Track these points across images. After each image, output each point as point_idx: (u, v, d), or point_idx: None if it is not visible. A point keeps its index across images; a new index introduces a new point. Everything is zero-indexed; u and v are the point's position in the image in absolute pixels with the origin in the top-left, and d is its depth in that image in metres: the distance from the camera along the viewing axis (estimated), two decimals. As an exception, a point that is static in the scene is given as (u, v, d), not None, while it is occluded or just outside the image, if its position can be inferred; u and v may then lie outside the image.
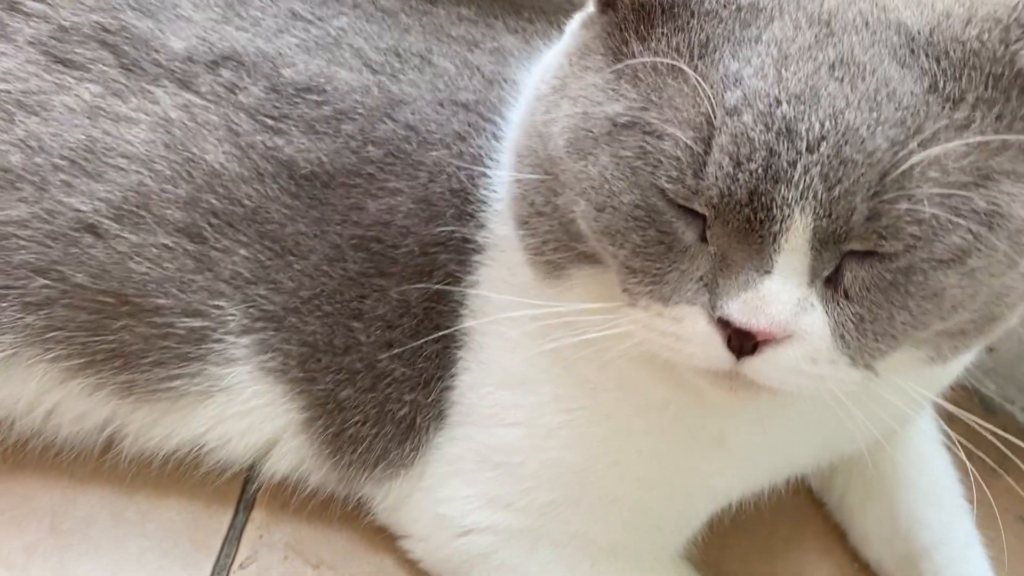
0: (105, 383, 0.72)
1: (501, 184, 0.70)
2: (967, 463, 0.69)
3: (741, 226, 0.52)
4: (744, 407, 0.66)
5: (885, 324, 0.54)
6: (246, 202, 0.71)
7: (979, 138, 0.51)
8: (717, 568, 0.82)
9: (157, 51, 0.73)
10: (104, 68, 0.72)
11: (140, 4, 0.74)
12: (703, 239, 0.55)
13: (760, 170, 0.50)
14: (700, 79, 0.52)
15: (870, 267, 0.53)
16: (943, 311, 0.55)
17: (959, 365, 0.75)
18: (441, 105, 0.74)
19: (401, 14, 0.81)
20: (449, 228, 0.71)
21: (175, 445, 0.77)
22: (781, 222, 0.51)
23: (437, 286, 0.72)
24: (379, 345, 0.73)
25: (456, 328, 0.73)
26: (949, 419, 0.84)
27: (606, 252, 0.58)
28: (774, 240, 0.52)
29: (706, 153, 0.52)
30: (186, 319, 0.71)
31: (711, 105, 0.51)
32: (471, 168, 0.72)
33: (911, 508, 0.87)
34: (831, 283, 0.54)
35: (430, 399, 0.74)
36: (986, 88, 0.52)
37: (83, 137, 0.70)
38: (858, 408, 0.62)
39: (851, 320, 0.54)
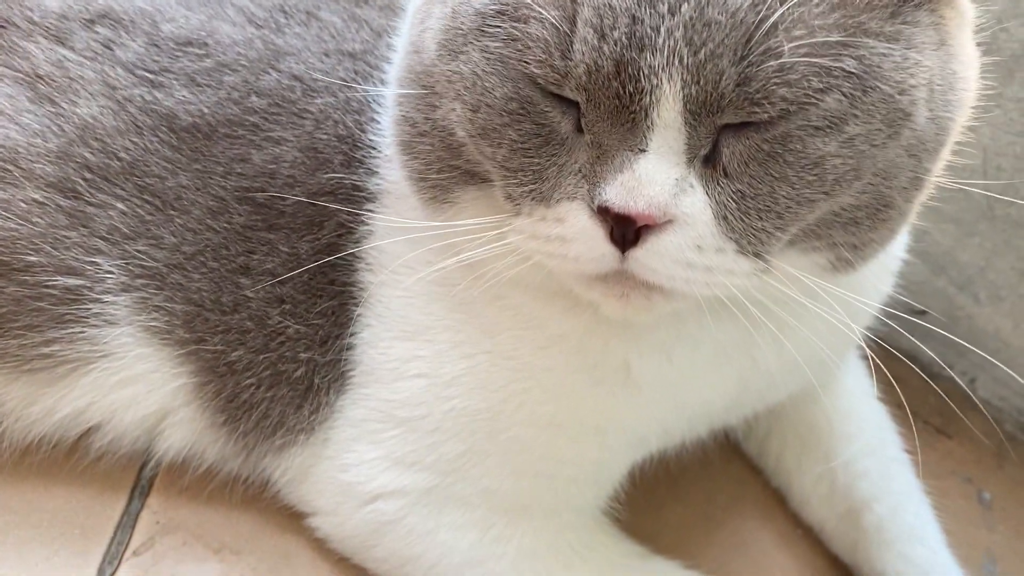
0: None
1: (389, 126, 0.68)
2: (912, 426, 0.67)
3: (612, 104, 0.51)
4: (645, 331, 0.64)
5: (767, 199, 0.53)
6: (123, 155, 0.69)
7: None
8: (654, 539, 0.78)
9: (31, 8, 0.72)
10: None
11: (15, -32, 0.73)
12: (579, 129, 0.53)
13: (624, 38, 0.50)
14: None
15: (746, 139, 0.52)
16: (826, 184, 0.53)
17: (874, 290, 0.73)
18: (327, 55, 0.73)
19: (290, -24, 0.80)
20: (337, 175, 0.68)
21: (58, 423, 0.72)
22: (650, 93, 0.50)
23: (328, 236, 0.69)
24: (270, 301, 0.70)
25: (351, 281, 0.70)
26: (891, 384, 0.82)
27: (484, 156, 0.57)
28: (646, 115, 0.50)
29: (572, 32, 0.51)
30: (60, 277, 0.67)
31: None
32: (359, 115, 0.70)
33: (848, 462, 0.84)
34: (710, 162, 0.52)
35: (328, 358, 0.71)
36: None
37: None
38: (776, 329, 0.61)
39: (732, 198, 0.52)
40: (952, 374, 1.02)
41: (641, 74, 0.50)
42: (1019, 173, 0.92)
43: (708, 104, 0.50)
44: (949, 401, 1.04)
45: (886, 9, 0.52)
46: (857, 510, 0.81)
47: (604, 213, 0.52)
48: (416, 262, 0.67)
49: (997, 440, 1.02)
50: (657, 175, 0.51)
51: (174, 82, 0.71)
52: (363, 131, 0.70)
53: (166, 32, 0.72)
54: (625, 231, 0.52)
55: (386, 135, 0.69)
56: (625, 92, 0.50)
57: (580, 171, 0.53)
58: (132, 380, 0.71)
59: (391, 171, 0.69)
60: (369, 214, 0.69)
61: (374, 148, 0.70)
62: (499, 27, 0.53)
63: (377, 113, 0.70)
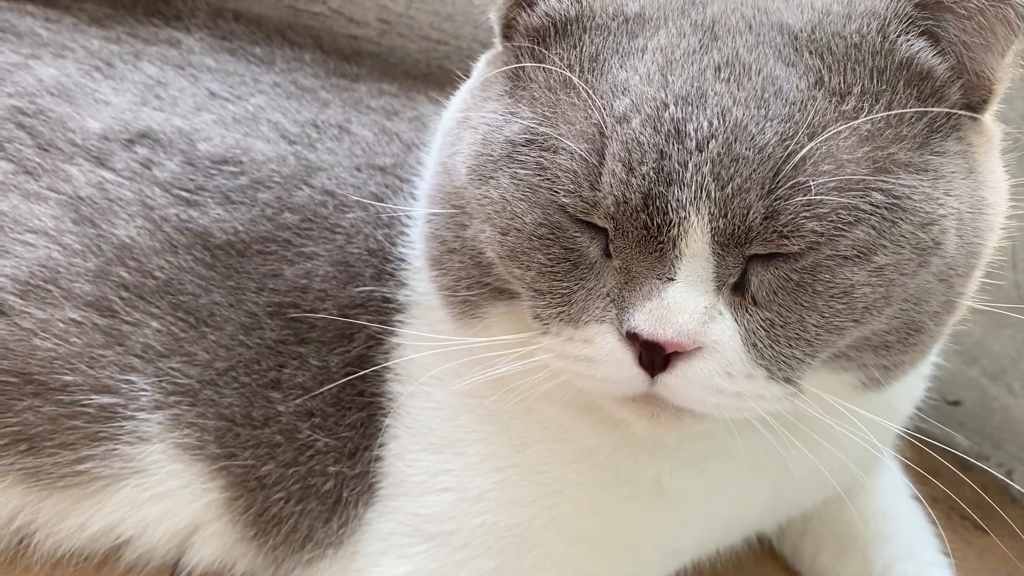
0: (9, 470, 0.68)
1: (419, 241, 0.69)
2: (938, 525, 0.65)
3: (640, 234, 0.51)
4: (676, 446, 0.63)
5: (797, 327, 0.53)
6: (158, 274, 0.70)
7: (864, 119, 0.51)
8: (687, 647, 0.76)
9: (73, 131, 0.74)
10: (19, 147, 0.72)
11: (59, 90, 0.76)
12: (607, 254, 0.54)
13: (652, 172, 0.50)
14: (589, 90, 0.52)
15: (775, 269, 0.52)
16: (855, 312, 0.53)
17: (906, 398, 0.72)
18: (358, 169, 0.74)
19: (321, 91, 0.82)
20: (368, 288, 0.69)
21: (90, 538, 0.72)
22: (678, 225, 0.50)
23: (358, 349, 0.70)
24: (300, 415, 0.70)
25: (380, 392, 0.70)
26: (925, 479, 0.81)
27: (514, 277, 0.57)
28: (673, 245, 0.51)
29: (600, 164, 0.52)
30: (95, 396, 0.68)
31: (601, 115, 0.52)
32: (389, 229, 0.71)
33: (886, 565, 0.82)
34: (739, 290, 0.53)
35: (356, 471, 0.71)
36: (871, 80, 0.52)
37: None
38: (806, 446, 0.60)
39: (761, 326, 0.52)
40: (988, 467, 1.00)
41: (669, 207, 0.50)
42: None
43: (736, 236, 0.51)
44: (985, 495, 1.02)
45: (915, 140, 0.53)
46: (896, 616, 0.79)
47: (633, 339, 0.52)
48: (445, 374, 0.67)
49: (1038, 535, 0.99)
50: (686, 303, 0.51)
51: (209, 200, 0.72)
52: (393, 244, 0.71)
53: (202, 151, 0.74)
54: (654, 357, 0.52)
55: (416, 248, 0.70)
56: (653, 224, 0.51)
57: (608, 295, 0.54)
58: (164, 496, 0.71)
59: (420, 283, 0.70)
60: (399, 326, 0.70)
61: (404, 260, 0.71)
62: (528, 156, 0.55)
63: (407, 227, 0.71)
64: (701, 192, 0.50)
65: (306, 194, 0.73)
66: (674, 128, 0.50)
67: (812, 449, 0.63)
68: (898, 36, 0.53)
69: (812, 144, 0.50)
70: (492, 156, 0.56)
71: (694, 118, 0.50)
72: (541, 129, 0.54)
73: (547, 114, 0.55)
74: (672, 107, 0.51)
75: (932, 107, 0.54)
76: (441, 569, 0.68)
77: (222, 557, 0.73)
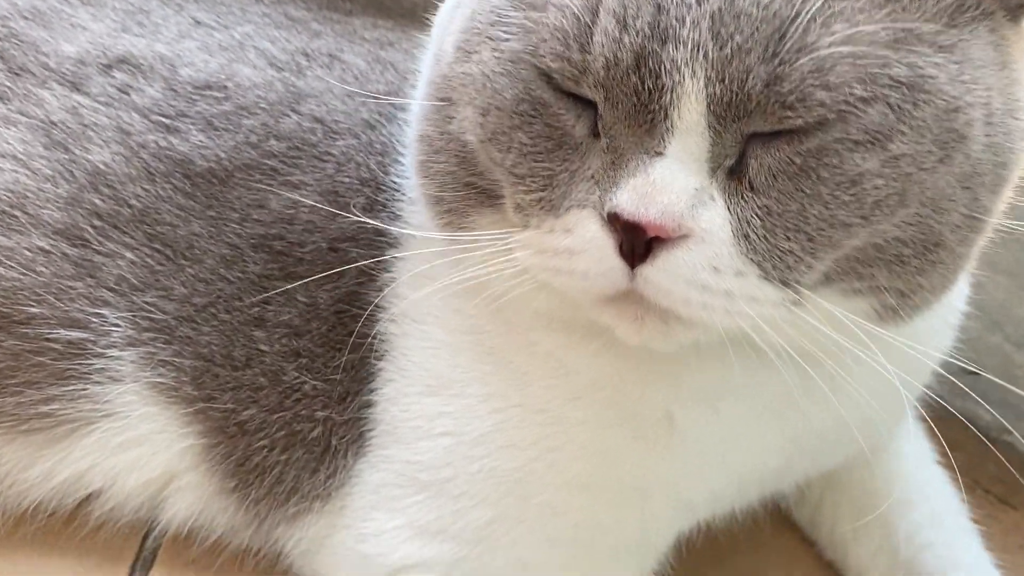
0: None
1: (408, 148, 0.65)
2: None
3: (630, 102, 0.47)
4: (687, 377, 0.59)
5: (796, 218, 0.47)
6: (134, 202, 0.66)
7: None
8: (698, 617, 0.71)
9: (47, 55, 0.70)
10: None
11: (33, 14, 0.72)
12: (594, 134, 0.49)
13: (646, 28, 0.46)
14: None
15: (776, 151, 0.47)
16: (864, 206, 0.48)
17: (932, 341, 0.67)
18: (349, 97, 0.70)
19: (312, 22, 0.79)
20: (359, 219, 0.65)
21: (57, 488, 0.67)
22: (671, 90, 0.46)
23: (348, 285, 0.65)
24: (285, 355, 0.65)
25: (372, 333, 0.65)
26: (948, 450, 0.76)
27: (494, 163, 0.53)
28: (665, 115, 0.46)
29: (593, 22, 0.47)
30: (63, 330, 0.63)
31: None
32: (382, 157, 0.67)
33: (911, 532, 0.77)
34: (735, 175, 0.48)
35: (346, 417, 0.66)
36: None
37: None
38: (825, 385, 0.55)
39: (756, 214, 0.47)
40: (1011, 439, 0.95)
41: (662, 69, 0.46)
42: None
43: (734, 105, 0.46)
44: (1011, 467, 0.97)
45: (941, 15, 0.48)
46: (922, 586, 0.74)
47: (614, 221, 0.47)
48: (443, 309, 0.63)
49: (1068, 509, 0.94)
50: (673, 182, 0.46)
51: (191, 127, 0.68)
52: (386, 173, 0.67)
53: (184, 76, 0.70)
54: (634, 242, 0.47)
55: (411, 179, 0.66)
56: (644, 88, 0.46)
57: (593, 177, 0.49)
58: (136, 441, 0.66)
59: (415, 215, 0.65)
60: (393, 261, 0.65)
61: (398, 191, 0.66)
62: (512, 19, 0.50)
63: (401, 155, 0.67)
64: (697, 51, 0.45)
65: (294, 121, 0.68)
66: None
67: (833, 388, 0.58)
68: None
69: (826, 4, 0.45)
70: (478, 28, 0.53)
71: None
72: None
73: None
74: None
75: None
76: (436, 521, 0.63)
77: (199, 512, 0.68)
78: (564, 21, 0.48)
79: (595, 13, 0.47)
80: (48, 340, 0.63)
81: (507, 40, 0.50)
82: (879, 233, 0.50)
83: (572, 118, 0.50)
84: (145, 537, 0.72)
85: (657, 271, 0.47)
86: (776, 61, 0.45)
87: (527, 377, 0.61)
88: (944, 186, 0.49)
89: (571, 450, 0.61)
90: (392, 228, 0.65)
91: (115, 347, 0.64)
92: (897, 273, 0.52)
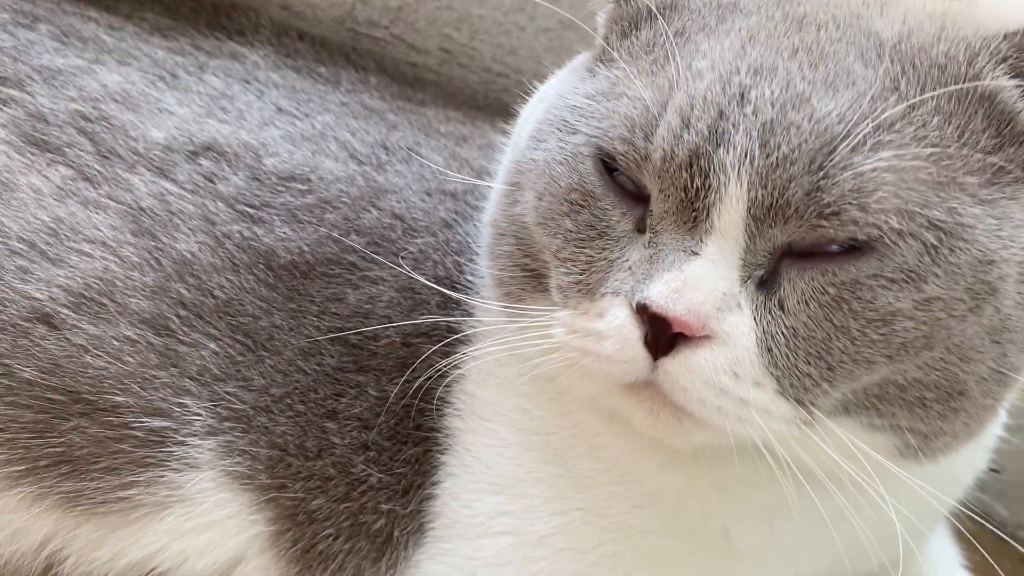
0: (48, 493, 0.64)
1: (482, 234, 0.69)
2: None
3: (678, 197, 0.50)
4: (745, 494, 0.60)
5: (820, 345, 0.49)
6: (218, 293, 0.67)
7: (934, 130, 0.49)
8: None
9: (135, 140, 0.71)
10: (79, 153, 0.69)
11: (122, 97, 0.74)
12: (639, 229, 0.52)
13: (705, 129, 0.49)
14: (672, 49, 0.52)
15: (811, 279, 0.49)
16: (891, 345, 0.49)
17: (966, 469, 0.69)
18: (428, 194, 0.72)
19: (388, 113, 0.81)
20: (434, 316, 0.66)
21: (123, 569, 0.68)
22: (716, 191, 0.48)
23: (419, 380, 0.67)
24: (354, 448, 0.67)
25: (438, 427, 0.67)
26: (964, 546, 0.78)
27: (544, 247, 0.56)
28: (707, 215, 0.49)
29: (660, 115, 0.50)
30: (146, 419, 0.64)
31: (677, 68, 0.51)
32: (458, 256, 0.69)
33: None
34: (764, 288, 0.50)
35: (409, 509, 0.67)
36: (948, 101, 0.50)
37: (47, 219, 0.66)
38: (855, 509, 0.57)
39: (783, 333, 0.49)
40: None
41: (712, 169, 0.48)
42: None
43: (772, 211, 0.48)
44: (1025, 568, 0.99)
45: (984, 171, 0.50)
46: None
47: (643, 312, 0.49)
48: (509, 408, 0.65)
49: (1087, 609, 0.96)
50: (705, 281, 0.49)
51: (275, 218, 0.70)
52: (461, 272, 0.69)
53: (269, 167, 0.72)
54: (659, 334, 0.49)
55: (485, 279, 0.68)
56: (692, 186, 0.49)
57: (631, 268, 0.51)
58: (209, 526, 0.67)
59: (488, 314, 0.67)
60: (463, 357, 0.67)
61: (471, 289, 0.68)
62: (586, 108, 0.54)
63: (475, 254, 0.69)
64: (745, 156, 0.48)
65: (374, 216, 0.70)
66: (739, 92, 0.49)
67: (876, 510, 0.59)
68: (985, 66, 0.52)
69: (877, 134, 0.47)
70: (551, 120, 0.56)
71: (760, 86, 0.49)
72: (607, 89, 0.53)
73: (615, 79, 0.54)
74: (743, 73, 0.50)
75: (1010, 151, 0.51)
76: (494, 618, 0.65)
77: (264, 595, 0.70)
78: (634, 111, 0.51)
79: (664, 107, 0.50)
80: (131, 428, 0.64)
81: (575, 128, 0.54)
82: (900, 372, 0.51)
83: (618, 214, 0.53)
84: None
85: (677, 366, 0.49)
86: (820, 174, 0.47)
87: (591, 483, 0.62)
88: (972, 336, 0.51)
89: (631, 557, 0.62)
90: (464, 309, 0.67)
91: (196, 436, 0.65)
92: (919, 416, 0.53)
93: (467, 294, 0.68)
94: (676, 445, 0.58)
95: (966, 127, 0.50)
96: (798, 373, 0.50)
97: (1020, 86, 0.52)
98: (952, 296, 0.49)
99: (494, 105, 0.94)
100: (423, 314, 0.67)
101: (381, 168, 0.73)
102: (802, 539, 0.64)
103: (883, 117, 0.48)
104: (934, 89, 0.50)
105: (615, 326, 0.51)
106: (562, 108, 0.56)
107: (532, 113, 0.63)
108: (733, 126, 0.48)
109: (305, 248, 0.69)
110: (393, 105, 0.82)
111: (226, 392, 0.66)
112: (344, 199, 0.71)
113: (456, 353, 0.67)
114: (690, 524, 0.62)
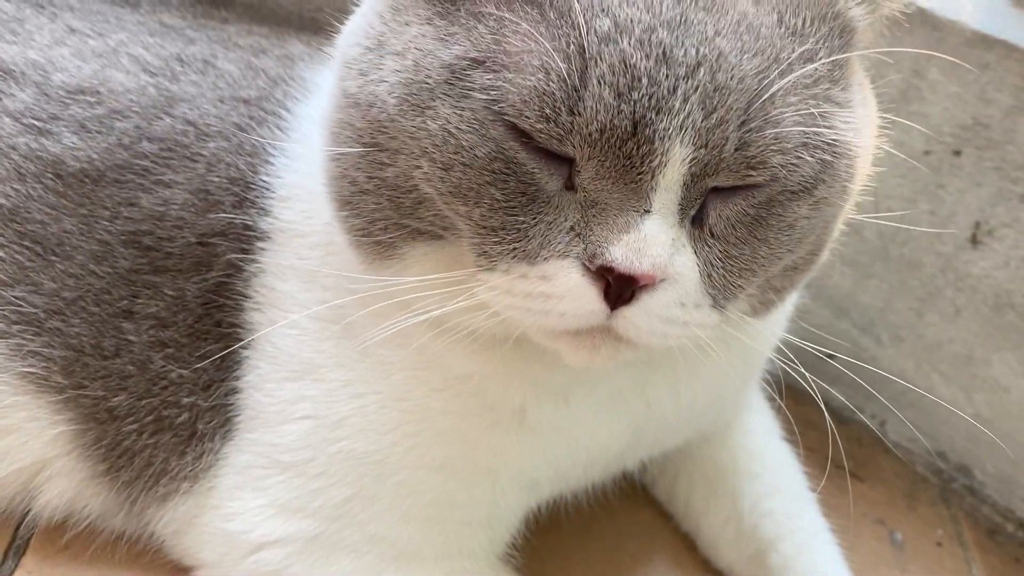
0: None
1: (285, 170, 0.69)
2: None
3: (618, 163, 0.50)
4: (546, 374, 0.64)
5: (748, 259, 0.54)
6: (2, 201, 0.68)
7: (826, 60, 0.53)
8: (561, 588, 0.77)
9: None
10: None
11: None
12: (568, 187, 0.52)
13: (644, 99, 0.49)
14: (565, 5, 0.50)
15: (734, 205, 0.53)
16: (793, 242, 0.55)
17: (774, 330, 0.74)
18: (221, 101, 0.74)
19: (188, 30, 0.82)
20: (228, 215, 0.68)
21: (-73, 478, 0.69)
22: (662, 155, 0.50)
23: (216, 277, 0.69)
24: (152, 345, 0.68)
25: (238, 323, 0.69)
26: (804, 429, 0.83)
27: (458, 215, 0.54)
28: (652, 176, 0.50)
29: (580, 87, 0.49)
30: None
31: (581, 33, 0.49)
32: (252, 158, 0.71)
33: (754, 502, 0.83)
34: (696, 223, 0.53)
35: (211, 403, 0.69)
36: (822, 24, 0.54)
37: None
38: (669, 379, 0.63)
39: (718, 258, 0.54)
40: (862, 418, 1.03)
41: (656, 136, 0.49)
42: (908, 212, 0.96)
43: (709, 167, 0.51)
44: (860, 444, 1.05)
45: (841, 80, 0.55)
46: (763, 550, 0.81)
47: (606, 272, 0.51)
48: (310, 301, 0.67)
49: (908, 481, 1.03)
50: (659, 235, 0.51)
51: (63, 129, 0.71)
52: (255, 172, 0.70)
53: (57, 81, 0.73)
54: (623, 290, 0.51)
55: (282, 179, 0.69)
56: (637, 153, 0.50)
57: (573, 229, 0.52)
58: (7, 430, 0.68)
59: (285, 211, 0.69)
60: (261, 253, 0.69)
61: (267, 188, 0.70)
62: (474, 80, 0.51)
63: (272, 156, 0.71)
64: (688, 121, 0.49)
65: (167, 124, 0.72)
66: (662, 52, 0.49)
67: (679, 378, 0.66)
68: None
69: (783, 82, 0.51)
70: (427, 84, 0.53)
71: (681, 43, 0.50)
72: (492, 48, 0.51)
73: (505, 32, 0.51)
74: (661, 30, 0.50)
75: (851, 51, 0.56)
76: (297, 499, 0.67)
77: (72, 498, 0.71)
78: (549, 85, 0.49)
79: (583, 79, 0.49)
80: None
81: (465, 93, 0.51)
82: (790, 259, 0.58)
83: (545, 175, 0.52)
84: (18, 525, 0.73)
85: (637, 312, 0.52)
86: (744, 129, 0.50)
87: (390, 367, 0.65)
88: (837, 213, 0.58)
89: (430, 436, 0.65)
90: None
91: None
92: (788, 277, 0.60)
93: (262, 193, 0.70)
94: (603, 367, 0.61)
95: (834, 45, 0.55)
96: (731, 286, 0.55)
97: None
98: (832, 192, 0.55)
99: (309, 26, 0.94)
100: (218, 213, 0.69)
101: (175, 79, 0.75)
102: (597, 412, 0.67)
103: (783, 59, 0.51)
104: (808, 17, 0.54)
105: (570, 287, 0.52)
106: (440, 71, 0.52)
107: (374, 65, 0.56)
108: (669, 91, 0.49)
109: (95, 156, 0.70)
110: (193, 23, 0.83)
111: (14, 296, 0.67)
112: (135, 108, 0.72)
113: (253, 250, 0.69)
114: (488, 403, 0.65)
